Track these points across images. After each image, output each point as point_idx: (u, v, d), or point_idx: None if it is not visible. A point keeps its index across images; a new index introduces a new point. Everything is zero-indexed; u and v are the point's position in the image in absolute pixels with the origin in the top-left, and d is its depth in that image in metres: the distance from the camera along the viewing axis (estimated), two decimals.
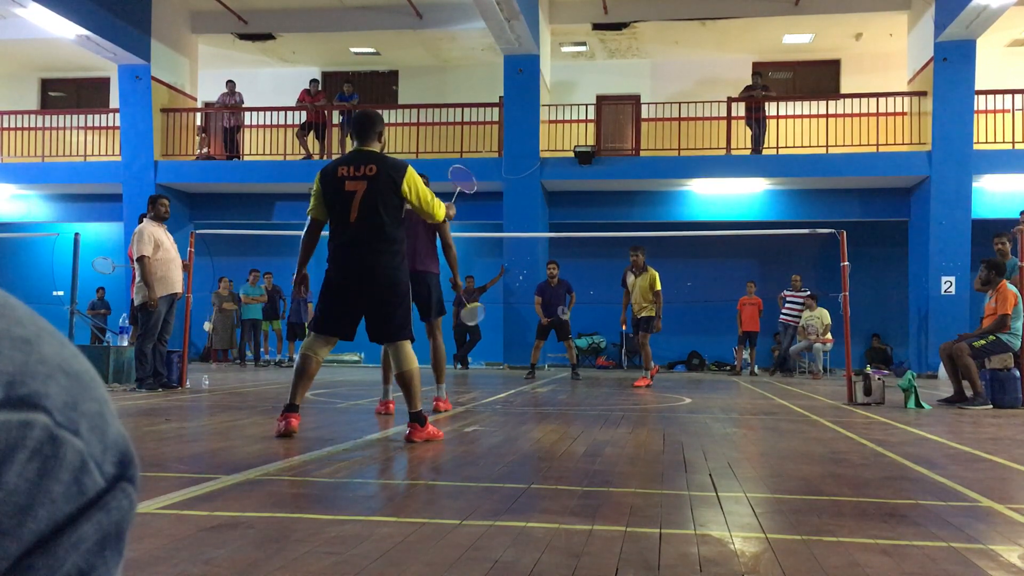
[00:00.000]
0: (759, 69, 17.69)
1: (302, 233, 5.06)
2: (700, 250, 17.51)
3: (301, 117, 17.45)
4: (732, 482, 3.59)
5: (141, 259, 8.41)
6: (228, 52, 18.93)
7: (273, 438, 4.87)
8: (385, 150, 5.03)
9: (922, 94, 15.73)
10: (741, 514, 2.93)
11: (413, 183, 4.83)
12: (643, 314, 11.04)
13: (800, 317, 15.12)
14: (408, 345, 4.89)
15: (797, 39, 17.85)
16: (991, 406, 7.90)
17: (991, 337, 8.17)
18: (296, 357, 4.95)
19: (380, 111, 19.60)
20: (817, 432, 5.66)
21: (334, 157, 17.17)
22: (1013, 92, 15.84)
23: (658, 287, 11.00)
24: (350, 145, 17.77)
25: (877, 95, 16.38)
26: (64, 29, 14.58)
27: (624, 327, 11.92)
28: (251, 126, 18.05)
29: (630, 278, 11.25)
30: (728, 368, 16.42)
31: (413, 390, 4.80)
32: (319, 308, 4.89)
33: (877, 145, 16.05)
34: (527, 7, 14.48)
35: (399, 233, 4.82)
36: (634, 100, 18.04)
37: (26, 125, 18.33)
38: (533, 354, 12.79)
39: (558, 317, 12.46)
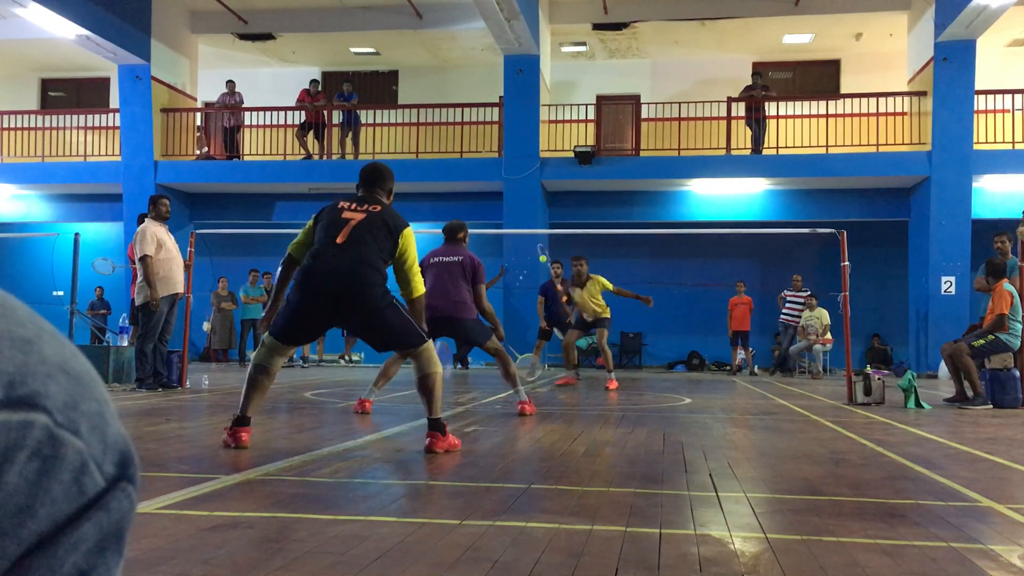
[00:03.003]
0: (759, 69, 17.68)
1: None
2: (700, 250, 17.51)
3: (301, 117, 17.45)
4: (732, 482, 3.60)
5: (144, 259, 8.41)
6: (228, 52, 18.93)
7: (273, 438, 4.86)
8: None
9: (922, 94, 15.73)
10: (741, 514, 2.93)
11: (409, 240, 4.52)
12: (602, 316, 10.56)
13: (800, 317, 15.13)
14: (429, 349, 4.57)
15: (797, 39, 17.85)
16: (991, 406, 7.90)
17: (990, 337, 8.19)
18: (252, 360, 4.58)
19: (380, 111, 19.47)
20: (817, 432, 5.66)
21: (334, 157, 17.20)
22: (1013, 92, 15.84)
23: (610, 286, 10.56)
24: (349, 146, 17.63)
25: (877, 95, 16.38)
26: (64, 29, 14.57)
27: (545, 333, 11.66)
28: (251, 126, 18.05)
29: (575, 293, 10.72)
30: (728, 368, 16.43)
31: (435, 396, 4.49)
32: (284, 313, 4.50)
33: (877, 145, 16.05)
34: (527, 7, 14.48)
35: (383, 269, 4.47)
36: (634, 100, 18.03)
37: (26, 125, 18.32)
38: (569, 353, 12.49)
39: (564, 322, 12.31)
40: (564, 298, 11.63)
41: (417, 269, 4.62)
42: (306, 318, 4.45)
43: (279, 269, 4.70)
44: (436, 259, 6.70)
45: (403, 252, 4.51)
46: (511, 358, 7.08)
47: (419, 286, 4.62)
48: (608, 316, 10.67)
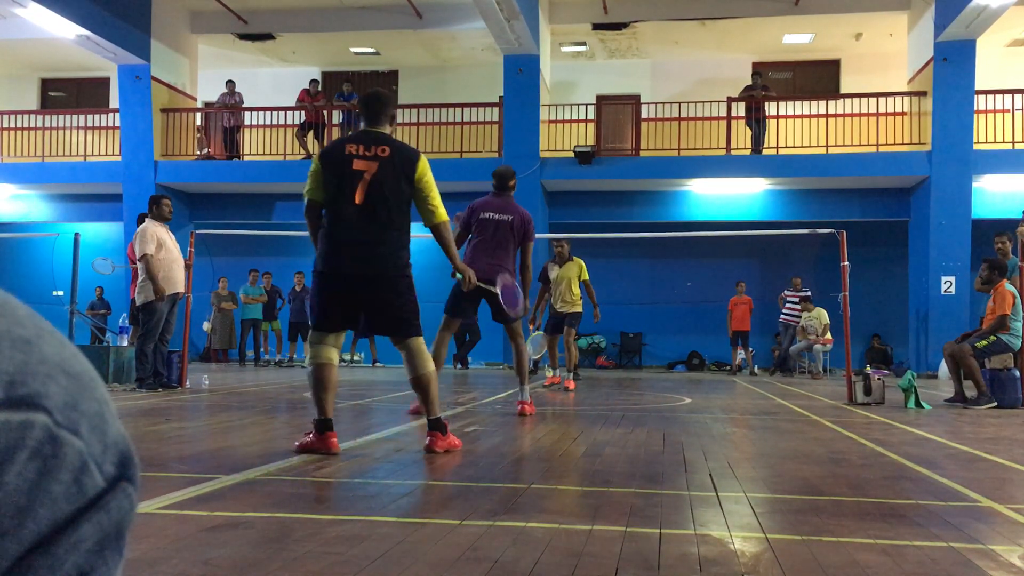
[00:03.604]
0: (759, 69, 17.68)
1: (306, 224, 4.57)
2: (700, 250, 17.51)
3: (301, 117, 17.46)
4: (732, 482, 3.59)
5: (144, 257, 8.41)
6: (228, 52, 18.93)
7: (273, 438, 4.86)
8: (395, 135, 4.65)
9: (922, 94, 15.74)
10: (741, 514, 2.93)
11: (426, 171, 4.45)
12: (573, 310, 10.32)
13: (801, 317, 15.14)
14: (422, 344, 4.50)
15: (797, 39, 17.86)
16: (996, 404, 7.90)
17: (992, 338, 8.19)
18: (307, 363, 4.46)
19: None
20: (817, 432, 5.66)
21: None
22: (1013, 92, 15.84)
23: (586, 276, 10.38)
24: None
25: (877, 95, 16.39)
26: (64, 29, 14.58)
27: (533, 326, 10.59)
28: (251, 126, 18.06)
29: (553, 271, 10.48)
30: (728, 368, 16.43)
31: (432, 395, 4.43)
32: (318, 302, 4.40)
33: (877, 145, 16.05)
34: (527, 7, 14.48)
35: (407, 222, 4.46)
36: (634, 100, 18.04)
37: (26, 125, 18.33)
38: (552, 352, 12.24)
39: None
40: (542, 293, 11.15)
41: (437, 195, 4.49)
42: (336, 295, 4.35)
43: (306, 219, 4.51)
44: (487, 215, 6.31)
45: (420, 182, 4.40)
46: (524, 337, 6.86)
47: (441, 212, 4.50)
48: (580, 311, 10.39)
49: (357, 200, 4.28)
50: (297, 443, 4.34)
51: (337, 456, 4.20)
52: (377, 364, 16.20)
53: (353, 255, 4.30)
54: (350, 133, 4.71)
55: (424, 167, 4.43)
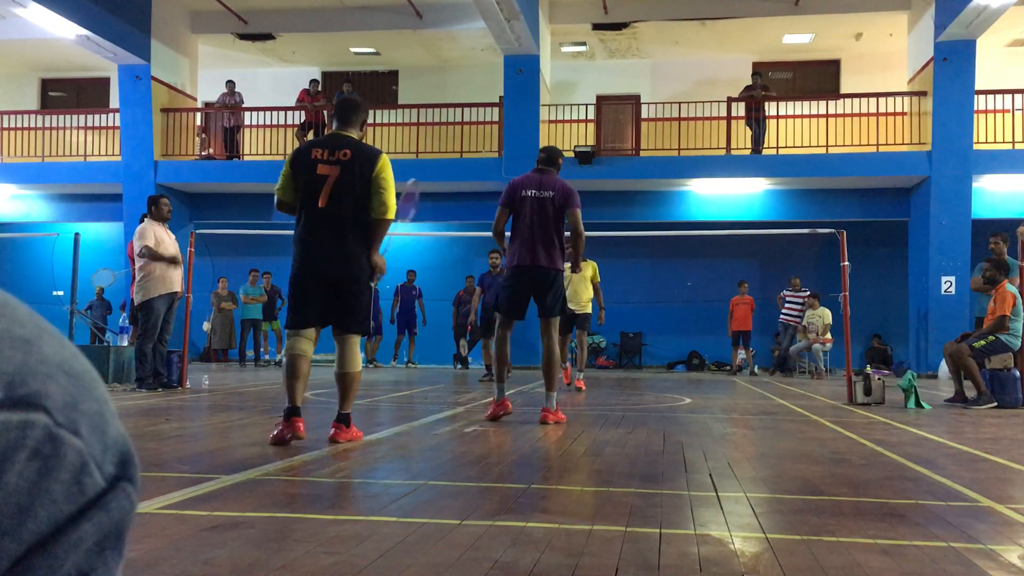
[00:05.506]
0: (759, 69, 17.69)
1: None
2: (700, 250, 17.51)
3: (301, 117, 17.46)
4: (732, 482, 3.59)
5: (144, 250, 8.42)
6: (228, 52, 18.93)
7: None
8: (364, 141, 4.87)
9: (922, 94, 15.74)
10: (741, 514, 2.93)
11: (385, 168, 4.61)
12: (584, 310, 10.20)
13: (800, 317, 15.14)
14: (358, 344, 4.75)
15: (797, 39, 17.86)
16: (996, 404, 7.90)
17: (991, 337, 8.19)
18: (283, 354, 4.90)
19: (380, 111, 19.44)
20: (817, 432, 5.66)
21: None
22: (1013, 92, 15.84)
23: (598, 279, 10.28)
24: None
25: (877, 95, 16.38)
26: (64, 29, 14.58)
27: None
28: (251, 126, 18.06)
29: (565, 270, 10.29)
30: (728, 368, 16.43)
31: (352, 392, 4.73)
32: (290, 302, 4.73)
33: (877, 145, 16.05)
34: (527, 7, 14.48)
35: (367, 221, 4.64)
36: (634, 100, 18.04)
37: (26, 125, 18.33)
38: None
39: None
40: None
41: (392, 195, 4.66)
42: (306, 295, 4.63)
43: (283, 212, 4.90)
44: (526, 192, 5.90)
45: (377, 176, 4.59)
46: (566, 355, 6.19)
47: (390, 212, 4.65)
48: (590, 312, 10.31)
49: (321, 203, 4.55)
50: (271, 436, 4.57)
51: (335, 453, 4.21)
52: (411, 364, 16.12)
53: (319, 257, 4.57)
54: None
55: (384, 164, 4.63)
